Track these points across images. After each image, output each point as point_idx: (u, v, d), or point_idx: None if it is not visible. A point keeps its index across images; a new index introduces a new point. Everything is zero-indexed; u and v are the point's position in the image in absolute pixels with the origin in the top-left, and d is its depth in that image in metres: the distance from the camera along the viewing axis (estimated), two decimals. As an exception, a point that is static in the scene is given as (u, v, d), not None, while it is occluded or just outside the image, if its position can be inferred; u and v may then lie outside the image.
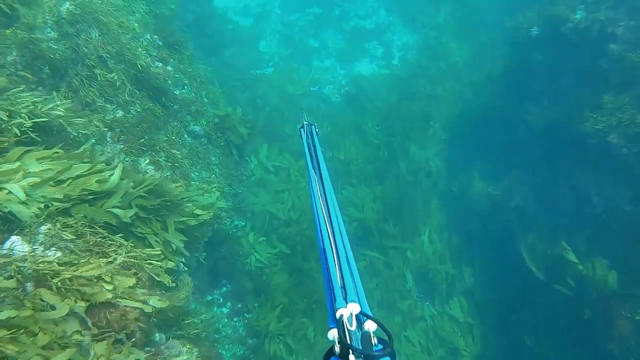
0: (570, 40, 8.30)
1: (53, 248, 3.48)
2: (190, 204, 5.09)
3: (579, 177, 7.90)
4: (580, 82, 8.08)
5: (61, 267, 3.24)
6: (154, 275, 3.92)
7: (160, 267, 4.06)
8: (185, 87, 7.64)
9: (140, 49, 6.82)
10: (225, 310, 7.58)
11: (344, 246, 1.87)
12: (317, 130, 2.71)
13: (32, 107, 4.41)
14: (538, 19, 9.26)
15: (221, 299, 7.64)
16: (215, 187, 7.20)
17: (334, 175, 10.00)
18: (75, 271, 3.25)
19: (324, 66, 14.14)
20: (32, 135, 4.23)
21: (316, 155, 2.38)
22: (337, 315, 1.58)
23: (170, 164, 6.31)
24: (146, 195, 4.42)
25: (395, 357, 1.46)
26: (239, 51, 13.56)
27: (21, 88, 4.82)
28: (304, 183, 9.49)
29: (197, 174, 7.15)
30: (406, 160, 10.44)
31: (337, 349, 1.49)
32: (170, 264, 4.48)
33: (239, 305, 7.64)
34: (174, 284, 4.43)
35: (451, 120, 11.46)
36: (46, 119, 4.47)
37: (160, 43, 7.40)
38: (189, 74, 7.66)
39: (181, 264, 4.92)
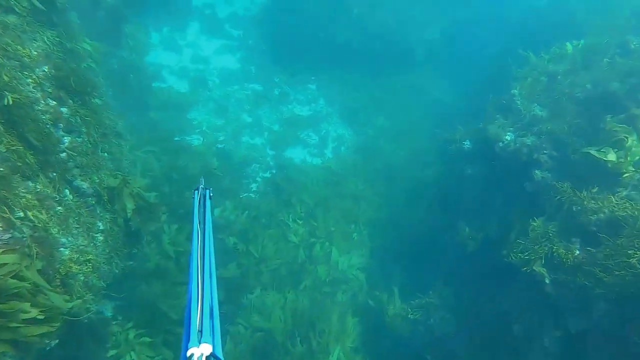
0: (501, 159, 8.33)
1: None
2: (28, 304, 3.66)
3: (503, 303, 7.46)
4: (510, 202, 7.97)
5: None
6: None
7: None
8: (82, 136, 6.38)
9: (29, 80, 5.61)
10: None
11: (211, 293, 1.94)
12: (211, 194, 2.76)
13: None
14: (471, 135, 9.38)
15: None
16: (90, 259, 5.74)
17: (245, 273, 8.92)
18: None
19: (253, 143, 13.44)
20: None
21: (204, 218, 2.44)
22: (188, 354, 1.64)
23: (29, 225, 4.87)
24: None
25: None
26: (165, 114, 12.57)
27: None
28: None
29: (70, 239, 5.68)
30: (326, 266, 9.63)
31: None
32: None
33: None
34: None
35: (377, 226, 11.05)
36: None
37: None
38: (89, 122, 6.46)
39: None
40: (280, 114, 14.68)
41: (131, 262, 6.94)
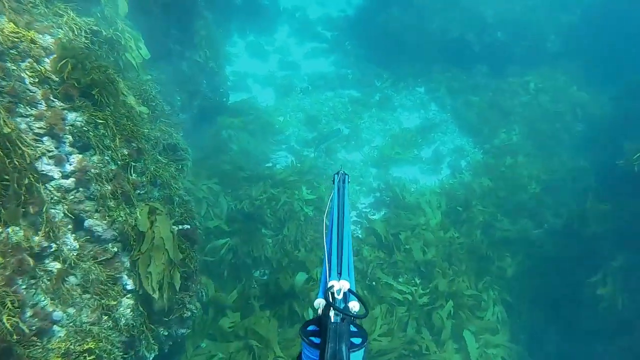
0: None
1: None
2: None
3: None
4: None
5: None
6: None
7: None
8: (102, 153, 4.35)
9: (27, 74, 3.67)
10: None
11: (349, 253, 2.05)
12: (349, 180, 2.89)
13: None
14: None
15: None
16: (92, 348, 3.56)
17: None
18: None
19: (351, 160, 10.92)
20: None
21: (343, 198, 2.57)
22: (328, 285, 1.76)
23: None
24: None
25: (367, 339, 1.62)
26: (245, 127, 10.62)
27: None
28: None
29: (70, 311, 3.57)
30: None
31: (319, 311, 1.71)
32: None
33: None
34: None
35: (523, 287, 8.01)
36: None
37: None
38: (114, 133, 4.40)
39: None
40: (384, 123, 12.04)
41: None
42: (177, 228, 5.48)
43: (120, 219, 4.27)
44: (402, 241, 8.36)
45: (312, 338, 1.64)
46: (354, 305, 1.75)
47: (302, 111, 11.88)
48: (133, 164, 5.03)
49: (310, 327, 1.67)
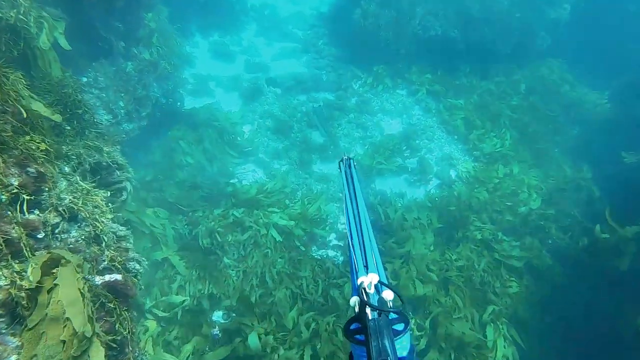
0: None
1: None
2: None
3: None
4: None
5: None
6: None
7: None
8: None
9: None
10: None
11: (369, 235, 2.14)
12: (355, 164, 2.94)
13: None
14: None
15: None
16: None
17: None
18: None
19: (326, 174, 9.57)
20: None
21: (352, 182, 2.62)
22: (358, 282, 1.78)
23: None
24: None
25: (409, 323, 1.64)
26: (205, 139, 9.18)
27: None
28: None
29: None
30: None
31: (356, 309, 1.70)
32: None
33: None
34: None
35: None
36: None
37: None
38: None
39: None
40: (363, 130, 10.77)
41: None
42: (100, 281, 4.07)
43: (1, 282, 2.91)
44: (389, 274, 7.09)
45: (357, 336, 1.63)
46: (388, 295, 1.71)
47: (271, 117, 10.50)
48: (27, 197, 3.62)
49: (353, 326, 1.65)
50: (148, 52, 8.00)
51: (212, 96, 11.12)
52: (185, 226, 7.42)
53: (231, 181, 8.63)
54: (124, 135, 7.55)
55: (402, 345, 1.65)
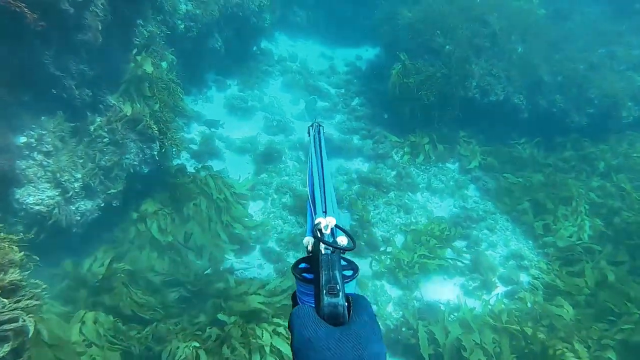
0: None
1: None
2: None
3: None
4: None
5: None
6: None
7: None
8: None
9: None
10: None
11: (331, 189, 1.97)
12: (324, 130, 2.73)
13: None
14: None
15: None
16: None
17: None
18: None
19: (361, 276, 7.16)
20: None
21: (320, 144, 2.46)
22: (315, 222, 1.70)
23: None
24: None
25: (358, 270, 1.56)
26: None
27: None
28: None
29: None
30: None
31: (309, 247, 1.65)
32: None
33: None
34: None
35: None
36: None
37: None
38: None
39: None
40: (406, 213, 8.40)
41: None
42: None
43: None
44: None
45: (305, 275, 1.60)
46: (342, 240, 1.66)
47: (290, 192, 8.29)
48: None
49: (302, 265, 1.63)
50: (130, 105, 6.01)
51: (222, 159, 9.09)
52: (151, 343, 5.07)
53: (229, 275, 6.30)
54: (78, 218, 5.42)
55: (349, 289, 1.47)
